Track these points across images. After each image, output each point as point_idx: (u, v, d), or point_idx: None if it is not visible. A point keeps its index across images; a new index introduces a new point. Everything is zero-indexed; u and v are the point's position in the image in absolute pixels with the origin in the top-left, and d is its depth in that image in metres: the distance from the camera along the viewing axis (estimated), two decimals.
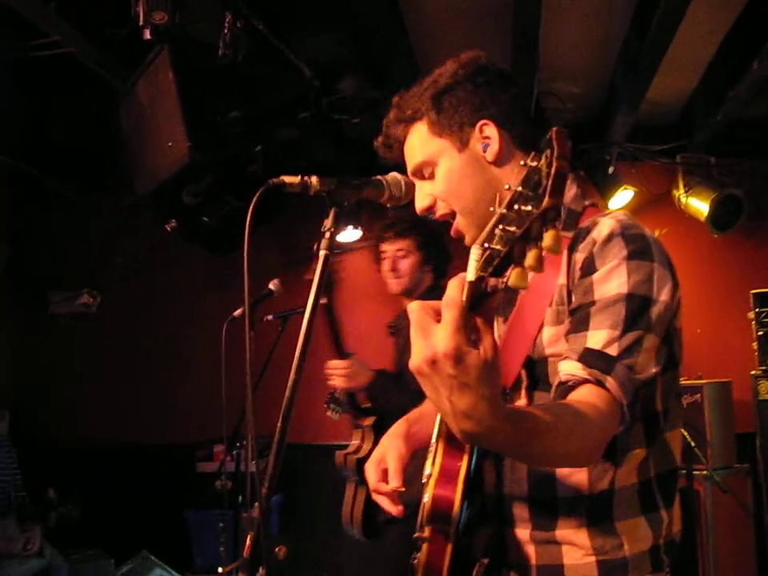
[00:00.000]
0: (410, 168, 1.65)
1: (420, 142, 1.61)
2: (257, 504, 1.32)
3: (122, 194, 4.03)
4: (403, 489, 1.62)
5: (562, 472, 1.49)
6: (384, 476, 1.66)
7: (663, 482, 1.55)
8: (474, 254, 1.05)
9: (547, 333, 1.49)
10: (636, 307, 1.35)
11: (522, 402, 1.52)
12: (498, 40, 3.76)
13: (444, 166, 1.59)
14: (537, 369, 1.51)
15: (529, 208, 0.98)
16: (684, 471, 3.80)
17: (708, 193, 4.96)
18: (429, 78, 1.63)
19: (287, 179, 1.44)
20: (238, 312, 3.20)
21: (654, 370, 1.35)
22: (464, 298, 1.04)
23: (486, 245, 1.02)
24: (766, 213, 5.32)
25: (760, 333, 4.78)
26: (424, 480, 1.58)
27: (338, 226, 1.47)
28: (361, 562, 3.43)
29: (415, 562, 1.54)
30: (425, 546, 1.50)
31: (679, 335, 1.46)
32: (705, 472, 4.59)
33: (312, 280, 1.45)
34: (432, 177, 1.61)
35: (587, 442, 1.26)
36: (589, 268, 1.42)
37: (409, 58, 3.83)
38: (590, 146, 5.06)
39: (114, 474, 5.49)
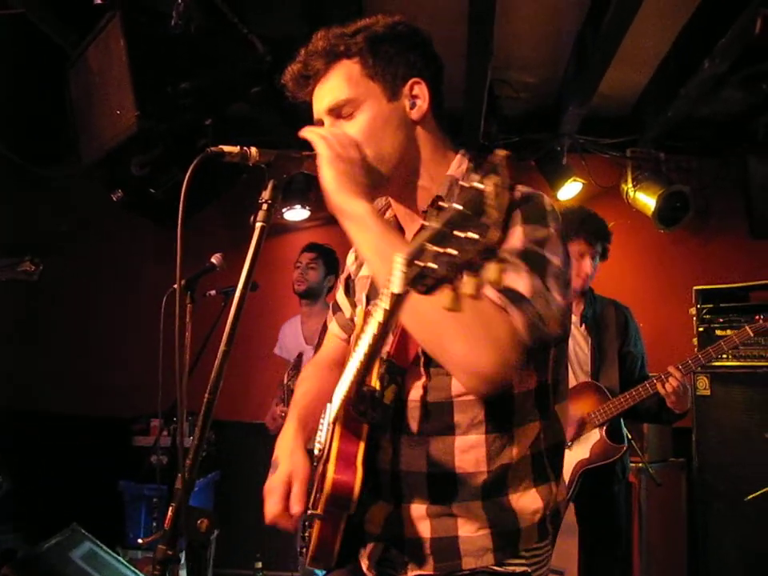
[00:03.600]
0: (326, 104, 1.61)
1: (348, 80, 1.58)
2: (180, 475, 1.30)
3: (70, 163, 3.95)
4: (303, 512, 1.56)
5: (461, 447, 1.52)
6: (287, 501, 1.56)
7: (553, 455, 1.63)
8: (400, 265, 0.99)
9: None
10: (531, 258, 1.40)
11: (421, 379, 1.55)
12: (454, 27, 3.76)
13: (369, 110, 1.58)
14: None
15: (475, 236, 0.94)
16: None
17: (656, 188, 5.02)
18: (361, 23, 1.61)
19: (226, 148, 1.42)
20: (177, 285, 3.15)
21: (559, 331, 1.43)
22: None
23: (418, 261, 0.97)
24: (712, 211, 5.40)
25: (701, 329, 4.86)
26: (316, 453, 1.58)
27: (276, 199, 1.45)
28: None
29: (307, 535, 1.54)
30: (318, 523, 1.50)
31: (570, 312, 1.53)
32: (640, 465, 4.68)
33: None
34: (350, 117, 1.59)
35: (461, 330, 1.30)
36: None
37: None
38: (542, 136, 5.09)
39: (47, 444, 5.43)
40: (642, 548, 4.65)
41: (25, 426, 5.34)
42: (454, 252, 0.95)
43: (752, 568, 4.61)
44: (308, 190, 5.04)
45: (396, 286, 0.99)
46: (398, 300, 1.07)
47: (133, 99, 3.05)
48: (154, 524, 3.58)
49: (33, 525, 4.32)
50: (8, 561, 3.48)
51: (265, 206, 1.43)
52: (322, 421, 1.78)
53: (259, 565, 5.00)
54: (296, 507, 1.53)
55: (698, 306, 4.84)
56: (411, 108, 1.59)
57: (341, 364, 1.71)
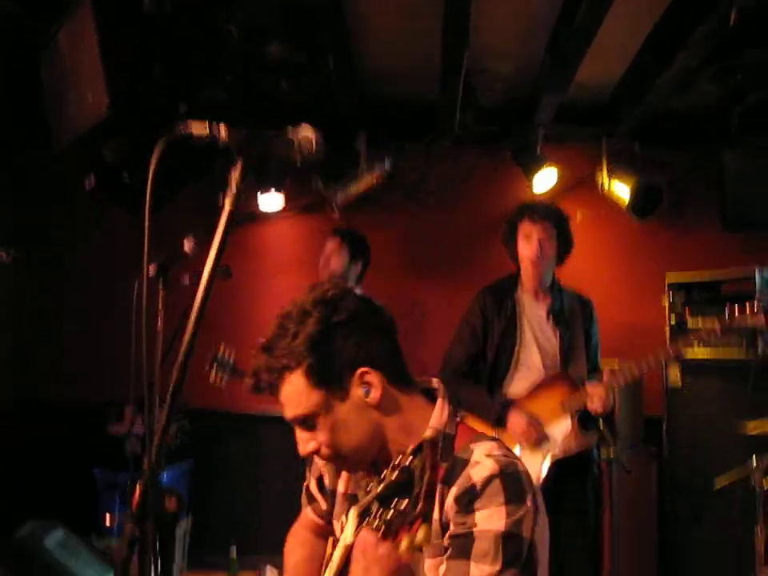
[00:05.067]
0: (288, 416, 1.62)
1: (298, 395, 1.58)
2: (146, 458, 1.30)
3: (46, 148, 3.91)
4: None
5: None
6: None
7: None
8: (352, 516, 1.23)
9: (427, 563, 1.55)
10: (510, 545, 1.45)
11: None
12: (430, 16, 3.75)
13: (328, 418, 1.58)
14: None
15: (403, 504, 1.12)
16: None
17: (630, 179, 5.04)
18: (293, 320, 1.59)
19: (194, 128, 1.41)
20: (150, 271, 3.14)
21: None
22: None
23: (364, 516, 1.18)
24: (686, 203, 5.44)
25: (672, 319, 4.90)
26: None
27: (246, 181, 1.44)
28: (274, 530, 3.43)
29: None
30: None
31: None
32: (611, 453, 4.71)
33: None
34: (314, 427, 1.60)
35: None
36: (468, 506, 1.49)
37: (338, 24, 3.80)
38: (517, 126, 5.10)
39: (19, 431, 5.39)
40: (613, 535, 4.69)
41: None
42: (390, 514, 1.15)
43: (720, 555, 4.66)
44: (283, 174, 5.00)
45: (349, 536, 1.23)
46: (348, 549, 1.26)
47: (104, 84, 3.03)
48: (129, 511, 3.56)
49: (5, 513, 4.28)
50: None
51: (234, 188, 1.42)
52: None
53: (234, 550, 5.01)
54: None
55: (671, 296, 4.88)
56: (366, 396, 1.59)
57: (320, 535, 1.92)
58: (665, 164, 5.30)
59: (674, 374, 4.95)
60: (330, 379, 1.56)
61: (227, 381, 3.99)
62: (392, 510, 1.15)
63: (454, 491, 1.53)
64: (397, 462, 1.22)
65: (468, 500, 1.50)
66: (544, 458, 3.43)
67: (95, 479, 4.98)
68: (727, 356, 4.72)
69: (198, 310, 1.33)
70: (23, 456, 5.28)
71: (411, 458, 1.16)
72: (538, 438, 3.43)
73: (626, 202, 5.04)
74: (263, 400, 1.78)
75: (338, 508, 1.82)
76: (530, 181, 5.10)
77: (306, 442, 1.64)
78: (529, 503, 1.51)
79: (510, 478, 1.51)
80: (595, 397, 3.30)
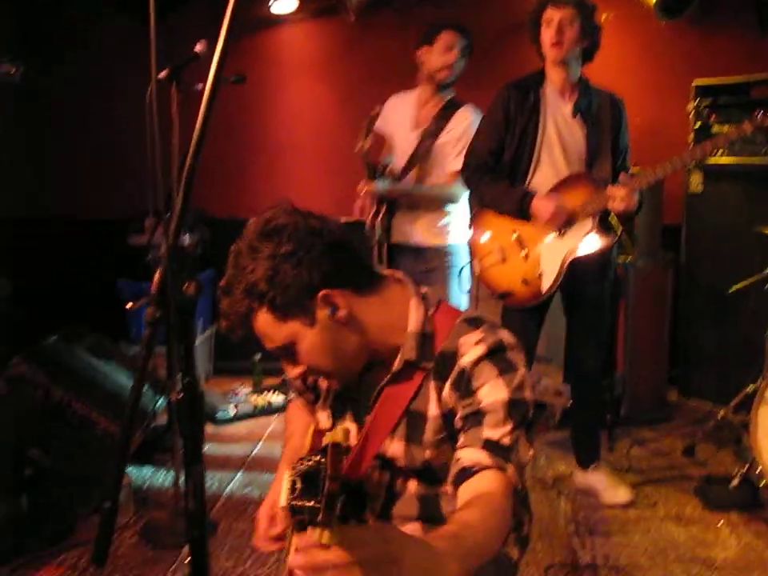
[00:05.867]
0: (268, 348, 1.66)
1: (270, 330, 1.61)
2: (164, 246, 1.30)
3: None
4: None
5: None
6: (268, 530, 1.78)
7: (524, 503, 1.74)
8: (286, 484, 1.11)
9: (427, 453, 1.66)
10: (516, 409, 1.54)
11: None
12: None
13: (302, 346, 1.61)
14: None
15: (311, 504, 1.02)
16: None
17: None
18: (244, 257, 1.58)
19: None
20: (162, 74, 3.07)
21: (531, 453, 1.57)
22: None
23: (292, 500, 1.06)
24: (719, 3, 5.19)
25: (697, 125, 4.81)
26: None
27: None
28: None
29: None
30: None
31: None
32: (629, 258, 4.75)
33: None
34: (295, 354, 1.64)
35: (504, 531, 1.44)
36: (467, 388, 1.57)
37: None
38: None
39: (44, 249, 5.48)
40: (627, 336, 4.80)
41: (20, 232, 5.35)
42: (302, 504, 1.04)
43: (731, 357, 4.81)
44: None
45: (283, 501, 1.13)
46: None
47: None
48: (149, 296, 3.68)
49: (35, 325, 4.41)
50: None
51: None
52: None
53: (258, 356, 5.19)
54: (277, 527, 1.76)
55: (697, 101, 4.76)
56: (334, 316, 1.59)
57: None
58: None
59: (696, 180, 4.91)
60: (293, 310, 1.58)
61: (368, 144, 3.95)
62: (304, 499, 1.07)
63: (448, 382, 1.60)
64: None
65: (465, 384, 1.57)
66: (569, 247, 3.43)
67: (120, 291, 5.09)
68: (750, 161, 4.66)
69: (206, 107, 1.28)
70: (50, 273, 5.38)
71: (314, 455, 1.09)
72: (564, 221, 3.42)
73: (654, 1, 4.81)
74: None
75: (320, 402, 1.89)
76: None
77: (291, 368, 1.70)
78: (522, 369, 1.59)
79: (498, 354, 1.58)
80: (617, 197, 3.26)
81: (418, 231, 4.05)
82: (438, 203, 4.03)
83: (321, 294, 1.57)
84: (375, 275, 1.70)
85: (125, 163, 5.12)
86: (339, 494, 1.00)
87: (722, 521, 3.53)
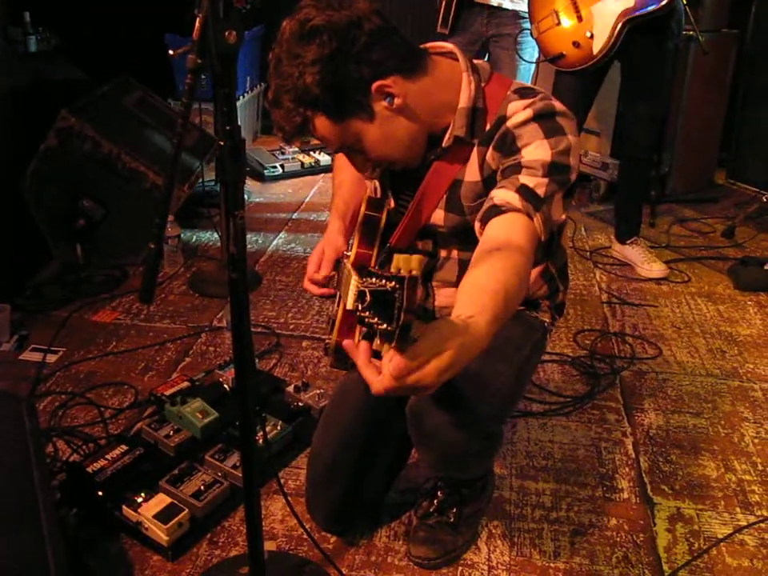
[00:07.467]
0: (332, 150, 1.72)
1: (331, 133, 1.60)
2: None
3: None
4: (332, 274, 1.85)
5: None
6: (319, 266, 1.86)
7: (561, 273, 1.94)
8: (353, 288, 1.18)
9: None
10: (556, 169, 1.54)
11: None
12: None
13: (367, 142, 1.62)
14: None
15: (383, 327, 1.00)
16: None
17: None
18: (288, 65, 1.51)
19: None
20: None
21: (563, 216, 1.61)
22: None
23: (361, 312, 1.04)
24: None
25: None
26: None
27: None
28: None
29: (327, 341, 1.88)
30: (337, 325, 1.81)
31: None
32: (691, 32, 4.53)
33: None
34: (360, 150, 1.65)
35: (525, 284, 1.43)
36: (511, 147, 1.58)
37: None
38: None
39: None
40: (680, 113, 4.68)
41: None
42: (374, 320, 1.02)
43: None
44: None
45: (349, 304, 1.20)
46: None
47: None
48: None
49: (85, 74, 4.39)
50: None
51: None
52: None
53: None
54: (323, 270, 1.83)
55: None
56: (391, 105, 1.55)
57: None
58: None
59: None
60: (350, 109, 1.56)
61: None
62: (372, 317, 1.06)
63: (491, 144, 1.63)
64: None
65: (509, 144, 1.58)
66: (624, 6, 3.26)
67: (167, 44, 5.00)
68: None
69: None
70: (100, 26, 5.27)
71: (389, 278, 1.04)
72: None
73: None
74: None
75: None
76: None
77: (359, 163, 1.71)
78: (571, 136, 1.58)
79: (547, 117, 1.58)
80: None
81: None
82: None
83: (374, 86, 1.54)
84: (423, 55, 1.65)
85: None
86: (412, 322, 1.02)
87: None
